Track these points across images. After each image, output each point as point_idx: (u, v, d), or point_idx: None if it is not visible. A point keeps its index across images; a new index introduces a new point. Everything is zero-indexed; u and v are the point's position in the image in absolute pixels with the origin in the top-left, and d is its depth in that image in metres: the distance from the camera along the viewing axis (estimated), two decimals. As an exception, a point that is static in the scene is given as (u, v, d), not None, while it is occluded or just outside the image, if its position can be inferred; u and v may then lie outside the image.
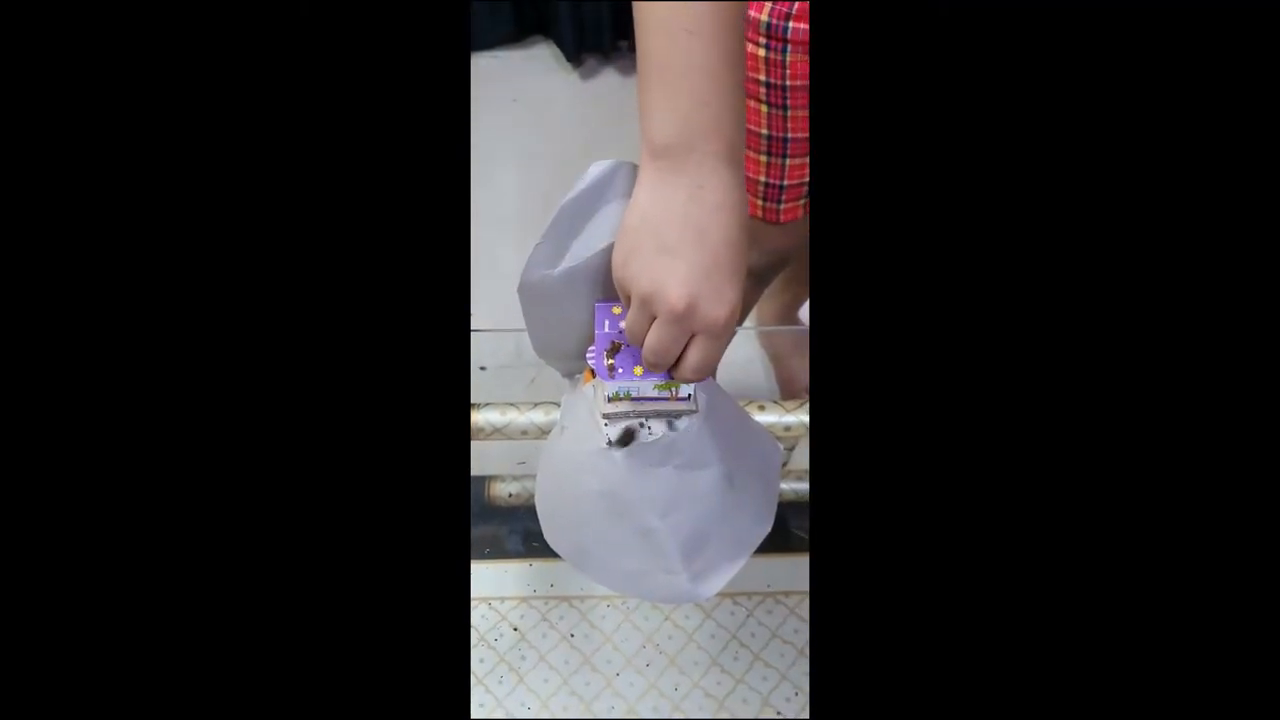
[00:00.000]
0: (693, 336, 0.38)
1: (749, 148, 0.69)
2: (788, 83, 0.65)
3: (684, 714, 0.67)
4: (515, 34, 1.72)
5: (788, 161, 0.68)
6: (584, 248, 0.40)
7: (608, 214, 0.39)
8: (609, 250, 0.39)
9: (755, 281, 0.87)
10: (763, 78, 0.65)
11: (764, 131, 0.68)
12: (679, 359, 0.39)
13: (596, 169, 0.39)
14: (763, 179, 0.70)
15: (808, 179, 0.69)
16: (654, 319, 0.37)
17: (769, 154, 0.68)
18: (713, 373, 0.42)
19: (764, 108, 0.67)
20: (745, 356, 1.20)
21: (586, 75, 1.69)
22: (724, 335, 0.38)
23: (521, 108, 1.64)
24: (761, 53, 0.64)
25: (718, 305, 0.36)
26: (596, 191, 0.39)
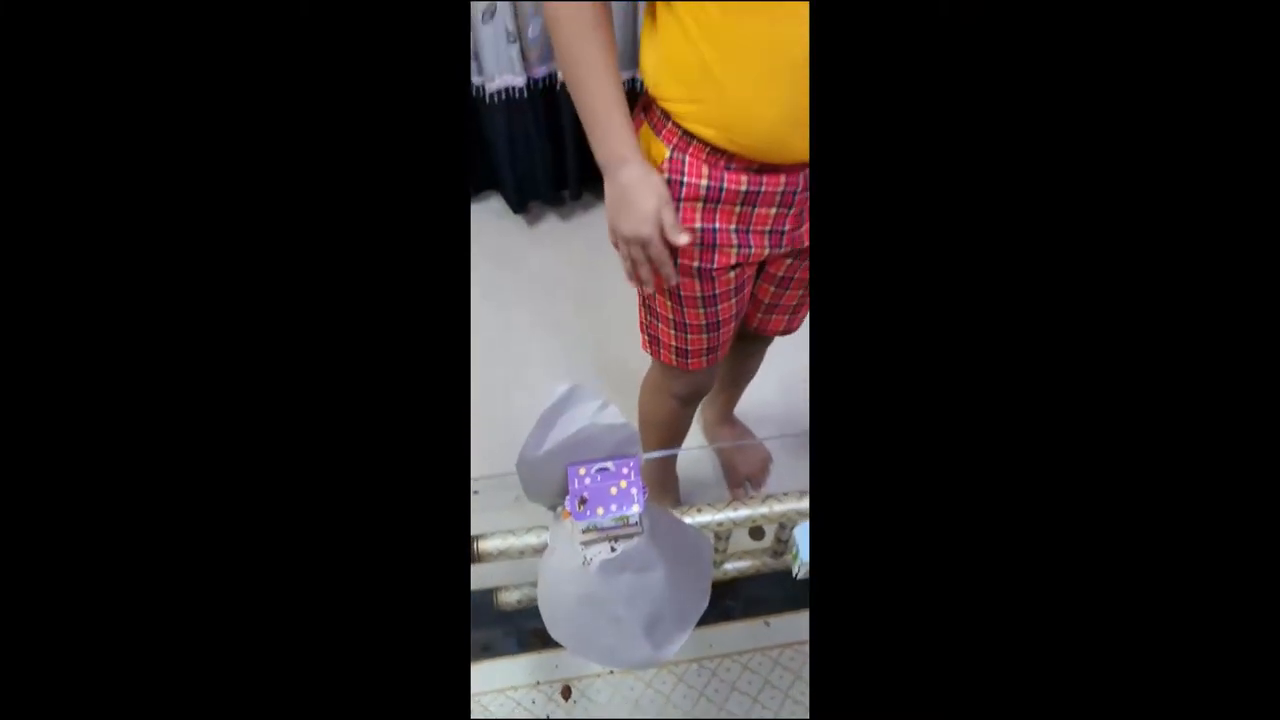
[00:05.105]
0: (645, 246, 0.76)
1: (662, 324, 0.93)
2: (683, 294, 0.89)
3: (667, 758, 0.84)
4: (471, 189, 1.98)
5: (689, 336, 0.92)
6: (558, 435, 0.62)
7: (569, 417, 0.62)
8: (574, 437, 0.61)
9: (683, 404, 1.10)
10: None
11: (670, 317, 0.92)
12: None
13: (561, 389, 0.61)
14: (674, 345, 0.94)
15: (705, 345, 0.93)
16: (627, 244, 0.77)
17: (675, 329, 0.92)
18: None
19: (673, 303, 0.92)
20: (694, 457, 1.42)
21: (532, 221, 1.95)
22: (648, 243, 0.76)
23: (481, 255, 1.87)
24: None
25: (636, 228, 0.76)
26: (561, 404, 0.62)
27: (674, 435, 1.19)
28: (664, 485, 1.31)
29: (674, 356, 0.95)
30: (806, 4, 0.61)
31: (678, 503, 1.32)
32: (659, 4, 0.70)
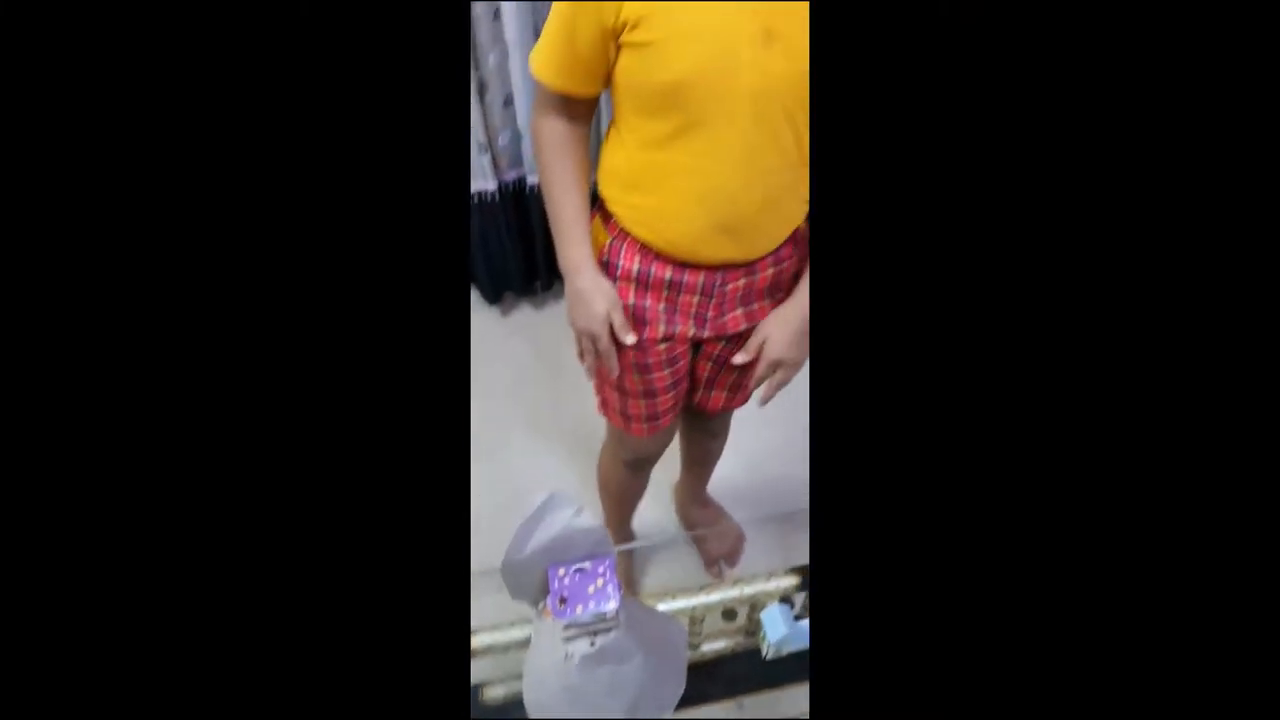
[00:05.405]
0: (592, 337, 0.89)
1: (607, 386, 1.02)
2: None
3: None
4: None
5: (629, 400, 1.01)
6: (541, 537, 0.68)
7: (549, 521, 0.68)
8: (552, 541, 0.67)
9: (632, 470, 1.20)
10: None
11: (613, 381, 1.01)
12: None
13: (539, 498, 0.67)
14: (618, 408, 1.03)
15: (644, 412, 1.01)
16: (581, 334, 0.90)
17: (618, 394, 1.01)
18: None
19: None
20: (671, 540, 1.47)
21: (506, 311, 2.03)
22: (596, 338, 0.89)
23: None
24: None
25: (588, 324, 0.89)
26: (541, 510, 0.68)
27: (626, 499, 1.30)
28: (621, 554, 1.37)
29: (619, 418, 1.05)
30: (728, 141, 0.75)
31: (630, 569, 1.39)
32: (613, 124, 0.85)
